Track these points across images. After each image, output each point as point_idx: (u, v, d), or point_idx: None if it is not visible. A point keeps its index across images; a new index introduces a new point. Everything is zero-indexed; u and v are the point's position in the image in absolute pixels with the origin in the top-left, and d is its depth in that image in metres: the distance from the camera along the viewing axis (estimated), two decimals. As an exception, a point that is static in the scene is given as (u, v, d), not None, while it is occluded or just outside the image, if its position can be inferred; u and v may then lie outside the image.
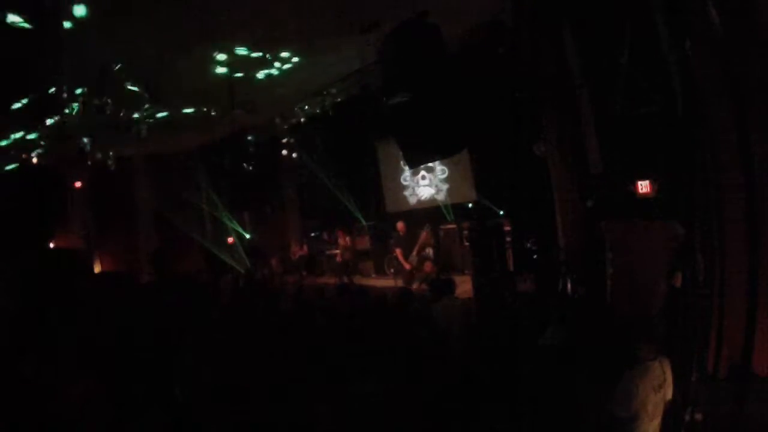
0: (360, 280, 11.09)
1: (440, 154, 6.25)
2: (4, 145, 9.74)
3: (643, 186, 5.69)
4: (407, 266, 9.32)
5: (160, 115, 9.79)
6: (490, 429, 3.39)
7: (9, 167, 10.59)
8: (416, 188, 12.48)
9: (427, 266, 8.98)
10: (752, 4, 3.89)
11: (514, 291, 7.79)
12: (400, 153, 6.57)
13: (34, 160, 10.63)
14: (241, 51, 7.46)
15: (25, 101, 7.21)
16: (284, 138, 12.39)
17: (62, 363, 3.61)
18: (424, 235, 9.42)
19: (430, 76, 5.26)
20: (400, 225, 9.53)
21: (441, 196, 11.89)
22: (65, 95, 7.43)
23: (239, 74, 8.33)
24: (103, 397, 2.94)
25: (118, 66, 7.07)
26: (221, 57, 7.57)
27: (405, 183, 12.70)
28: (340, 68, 8.92)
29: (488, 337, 4.71)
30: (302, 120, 11.54)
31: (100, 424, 2.71)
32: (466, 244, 10.10)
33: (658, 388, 2.74)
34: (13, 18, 4.88)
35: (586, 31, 6.19)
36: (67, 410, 2.92)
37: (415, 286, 8.92)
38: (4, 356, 4.05)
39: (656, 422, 2.73)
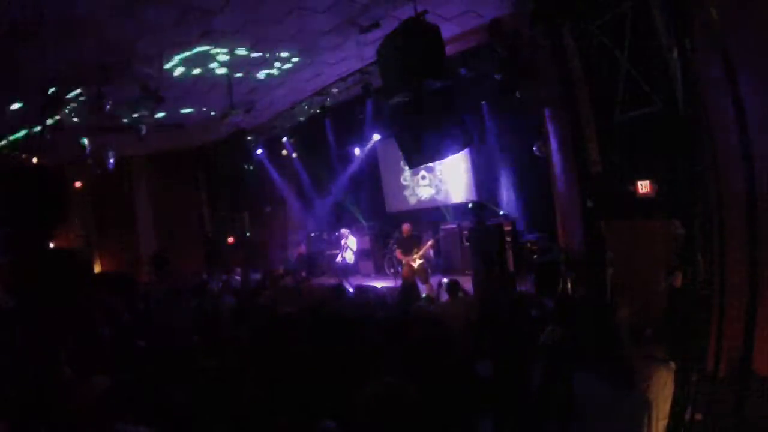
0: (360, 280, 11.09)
1: (440, 154, 6.25)
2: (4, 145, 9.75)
3: (643, 186, 5.69)
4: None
5: (159, 115, 9.79)
6: (492, 429, 3.38)
7: (9, 167, 10.58)
8: (416, 188, 12.49)
9: (419, 266, 8.98)
10: (752, 2, 3.89)
11: (514, 291, 7.79)
12: (400, 153, 6.57)
13: (34, 160, 10.61)
14: (241, 51, 7.46)
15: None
16: (284, 138, 12.38)
17: (64, 362, 3.61)
18: (427, 242, 9.37)
19: (430, 77, 5.26)
20: (405, 227, 9.52)
21: (441, 196, 11.89)
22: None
23: (239, 74, 8.34)
24: (108, 397, 2.94)
25: (118, 65, 7.07)
26: (221, 57, 7.57)
27: (405, 183, 12.70)
28: (340, 68, 8.92)
29: (488, 336, 4.71)
30: (302, 120, 11.54)
31: (102, 424, 2.71)
32: (466, 244, 10.11)
33: (668, 389, 2.75)
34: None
35: (586, 31, 6.18)
36: (71, 410, 2.92)
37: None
38: (6, 356, 4.05)
39: (663, 423, 2.74)
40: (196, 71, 7.92)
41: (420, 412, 2.27)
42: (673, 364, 2.89)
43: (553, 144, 7.26)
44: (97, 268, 13.99)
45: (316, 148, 12.76)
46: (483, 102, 9.20)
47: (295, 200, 14.67)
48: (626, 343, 2.89)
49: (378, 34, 6.73)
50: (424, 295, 6.97)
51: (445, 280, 9.65)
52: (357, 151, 12.84)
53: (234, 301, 6.88)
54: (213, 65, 7.84)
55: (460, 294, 5.61)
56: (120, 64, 7.03)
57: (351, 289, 7.26)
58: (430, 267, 9.33)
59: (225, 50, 7.32)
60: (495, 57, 7.41)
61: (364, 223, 13.03)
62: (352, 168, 13.32)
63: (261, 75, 8.61)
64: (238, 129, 12.24)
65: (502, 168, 10.09)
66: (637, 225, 5.70)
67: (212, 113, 10.45)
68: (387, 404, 2.25)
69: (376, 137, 12.01)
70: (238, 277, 11.23)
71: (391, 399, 2.27)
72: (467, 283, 8.65)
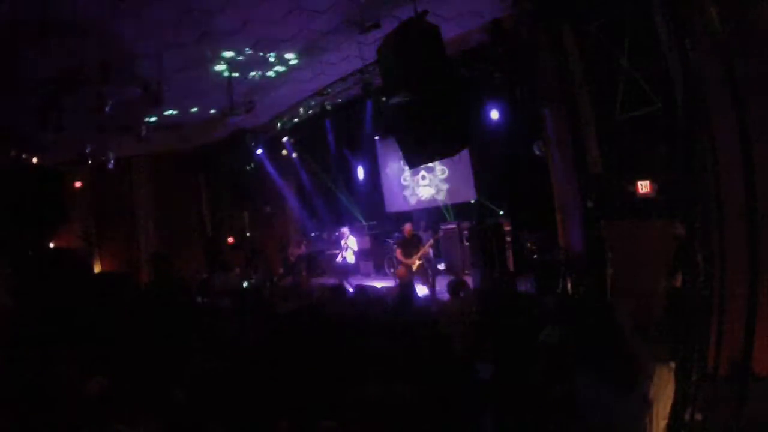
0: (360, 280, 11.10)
1: (440, 154, 6.25)
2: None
3: (643, 186, 5.70)
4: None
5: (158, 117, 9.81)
6: (492, 429, 3.38)
7: (9, 167, 10.59)
8: (416, 188, 12.49)
9: (419, 266, 8.98)
10: (752, 3, 3.89)
11: (514, 291, 7.80)
12: (400, 153, 6.57)
13: (34, 160, 10.62)
14: (241, 51, 7.47)
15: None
16: (284, 138, 12.38)
17: (63, 362, 3.61)
18: (427, 243, 9.36)
19: (430, 76, 5.26)
20: (407, 227, 9.53)
21: (441, 196, 11.89)
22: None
23: (239, 74, 8.33)
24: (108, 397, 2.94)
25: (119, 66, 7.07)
26: (222, 57, 7.57)
27: (405, 183, 12.70)
28: (340, 68, 8.92)
29: (488, 336, 4.72)
30: (302, 120, 11.55)
31: (102, 424, 2.71)
32: (466, 244, 10.11)
33: (669, 389, 2.75)
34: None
35: (586, 31, 6.19)
36: (71, 409, 2.92)
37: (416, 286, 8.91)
38: (6, 355, 4.06)
39: (664, 423, 2.74)
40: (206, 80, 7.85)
41: (417, 413, 2.27)
42: (673, 364, 2.89)
43: (553, 144, 7.26)
44: (97, 268, 13.99)
45: (316, 148, 12.76)
46: (483, 102, 9.19)
47: (295, 200, 14.67)
48: (628, 342, 2.89)
49: (378, 34, 6.71)
50: (422, 295, 6.97)
51: (440, 266, 9.65)
52: (357, 151, 12.84)
53: (235, 301, 6.89)
54: (213, 65, 7.84)
55: (462, 294, 5.61)
56: (120, 64, 7.03)
57: (351, 289, 7.26)
58: (430, 267, 9.33)
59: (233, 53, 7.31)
60: (495, 57, 7.41)
61: (364, 223, 13.03)
62: (352, 168, 13.32)
63: (261, 75, 8.61)
64: (238, 129, 12.23)
65: (502, 168, 10.08)
66: (637, 225, 5.70)
67: (212, 113, 10.45)
68: (384, 405, 2.26)
69: (376, 137, 12.01)
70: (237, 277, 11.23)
71: (387, 400, 2.28)
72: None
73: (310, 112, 11.11)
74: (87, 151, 10.57)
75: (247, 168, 13.39)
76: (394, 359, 3.46)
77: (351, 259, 11.54)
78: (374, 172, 13.20)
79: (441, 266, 10.55)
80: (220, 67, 7.96)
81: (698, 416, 3.09)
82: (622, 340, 2.86)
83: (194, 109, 10.17)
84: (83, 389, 3.04)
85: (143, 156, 14.08)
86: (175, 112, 10.09)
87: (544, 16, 6.64)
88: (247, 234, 15.05)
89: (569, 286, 6.72)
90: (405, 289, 6.21)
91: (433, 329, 4.59)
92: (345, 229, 11.68)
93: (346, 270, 11.41)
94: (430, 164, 11.23)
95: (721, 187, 3.70)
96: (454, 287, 5.62)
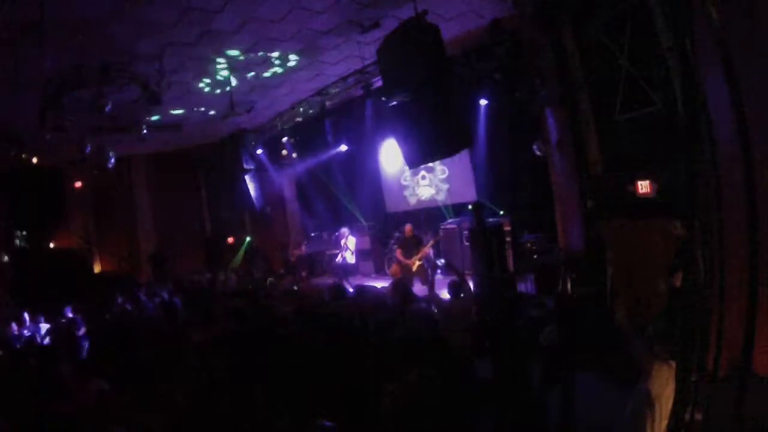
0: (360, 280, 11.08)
1: (440, 154, 6.25)
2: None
3: (643, 186, 5.69)
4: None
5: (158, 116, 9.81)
6: (492, 429, 3.38)
7: (9, 167, 10.59)
8: (416, 188, 12.48)
9: (419, 266, 8.96)
10: (752, 3, 3.89)
11: (514, 291, 7.79)
12: (400, 153, 6.58)
13: (34, 160, 10.62)
14: (241, 52, 7.47)
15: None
16: (284, 138, 12.37)
17: (65, 362, 3.62)
18: (428, 244, 9.35)
19: (430, 76, 5.26)
20: (408, 227, 9.52)
21: (441, 196, 11.88)
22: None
23: (239, 74, 8.34)
24: (108, 397, 2.94)
25: (119, 66, 7.07)
26: (222, 57, 7.57)
27: (405, 183, 12.70)
28: (340, 68, 8.92)
29: (488, 336, 4.71)
30: (302, 120, 11.54)
31: (102, 425, 2.71)
32: (466, 244, 10.09)
33: (669, 388, 2.75)
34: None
35: (586, 31, 6.19)
36: (73, 410, 2.92)
37: (416, 287, 8.90)
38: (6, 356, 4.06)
39: (664, 423, 2.74)
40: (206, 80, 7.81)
41: (444, 403, 2.27)
42: (673, 364, 2.89)
43: (553, 144, 7.26)
44: (97, 268, 14.00)
45: (316, 148, 12.74)
46: (483, 102, 9.19)
47: (295, 200, 14.65)
48: (628, 342, 2.89)
49: (378, 34, 6.72)
50: (422, 295, 6.95)
51: (441, 261, 9.66)
52: (357, 151, 12.82)
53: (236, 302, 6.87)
54: (215, 66, 7.85)
55: (462, 294, 5.60)
56: (120, 64, 7.03)
57: (351, 289, 7.24)
58: (431, 268, 9.32)
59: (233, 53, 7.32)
60: (495, 57, 7.41)
61: (364, 223, 13.02)
62: (352, 168, 13.31)
63: (261, 75, 8.61)
64: (238, 129, 12.23)
65: (502, 168, 10.08)
66: (637, 225, 5.70)
67: (212, 113, 10.46)
68: (414, 397, 2.25)
69: (376, 138, 12.00)
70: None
71: (419, 391, 2.28)
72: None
73: (310, 112, 11.10)
74: (87, 151, 10.57)
75: (247, 168, 13.39)
76: (393, 359, 3.45)
77: (351, 259, 11.52)
78: (374, 172, 13.19)
79: (441, 261, 10.50)
80: (220, 68, 7.97)
81: (698, 416, 3.09)
82: (621, 340, 2.86)
83: (194, 109, 10.17)
84: (83, 390, 3.04)
85: (143, 156, 14.09)
86: (175, 112, 10.09)
87: (544, 16, 6.64)
88: (247, 236, 15.04)
89: (569, 286, 6.72)
90: (400, 287, 6.13)
91: (432, 329, 4.59)
92: (345, 229, 11.67)
93: (346, 270, 11.40)
94: (430, 164, 11.22)
95: (721, 187, 3.70)
96: (455, 287, 5.61)
